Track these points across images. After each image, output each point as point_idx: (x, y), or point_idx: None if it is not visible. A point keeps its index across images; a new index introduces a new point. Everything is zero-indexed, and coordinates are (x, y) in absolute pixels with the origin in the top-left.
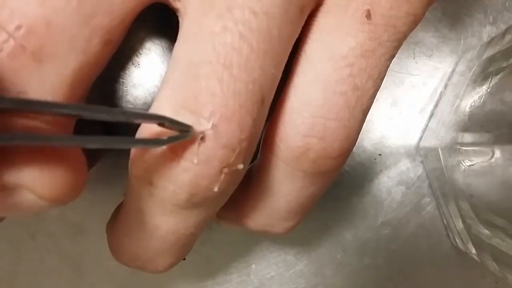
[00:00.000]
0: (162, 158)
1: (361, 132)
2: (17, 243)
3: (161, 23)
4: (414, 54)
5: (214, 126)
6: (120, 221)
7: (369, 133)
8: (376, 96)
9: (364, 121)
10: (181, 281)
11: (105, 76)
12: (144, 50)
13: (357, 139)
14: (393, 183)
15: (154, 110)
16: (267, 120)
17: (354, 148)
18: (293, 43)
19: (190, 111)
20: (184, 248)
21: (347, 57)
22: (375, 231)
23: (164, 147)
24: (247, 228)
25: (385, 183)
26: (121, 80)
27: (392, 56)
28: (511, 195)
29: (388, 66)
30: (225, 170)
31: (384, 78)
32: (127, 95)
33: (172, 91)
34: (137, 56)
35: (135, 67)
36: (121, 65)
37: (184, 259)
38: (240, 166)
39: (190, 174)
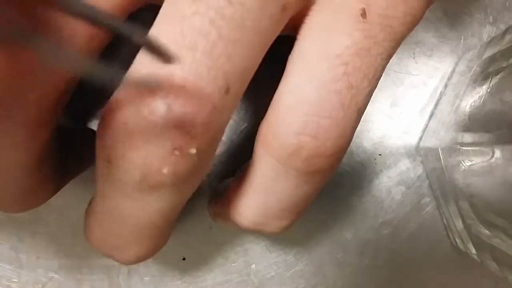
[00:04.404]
0: (119, 135)
1: (361, 132)
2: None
3: None
4: (414, 54)
5: (167, 105)
6: (91, 203)
7: (369, 133)
8: (376, 96)
9: (359, 120)
10: (181, 281)
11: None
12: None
13: (351, 139)
14: (393, 183)
15: (117, 89)
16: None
17: (354, 148)
18: (272, 39)
19: (145, 89)
20: (152, 238)
21: (342, 56)
22: (375, 231)
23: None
24: (240, 226)
25: (385, 183)
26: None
27: (389, 56)
28: (511, 195)
29: (384, 66)
30: (176, 152)
31: (380, 77)
32: None
33: (133, 69)
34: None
35: None
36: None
37: (184, 259)
38: (193, 151)
39: (141, 152)
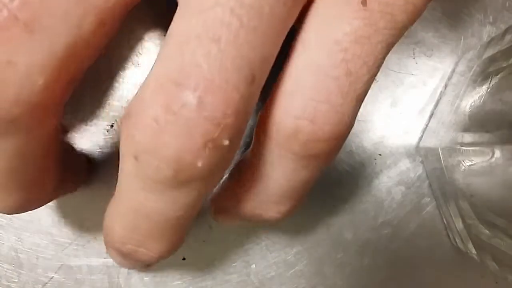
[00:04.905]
0: (147, 131)
1: (361, 132)
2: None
3: (160, 22)
4: (414, 54)
5: (197, 98)
6: (113, 202)
7: (369, 133)
8: (376, 96)
9: (358, 108)
10: (181, 281)
11: (106, 76)
12: (144, 50)
13: (350, 126)
14: (393, 183)
15: (143, 86)
16: (262, 105)
17: (354, 148)
18: (287, 27)
19: (174, 83)
20: (176, 233)
21: (341, 42)
22: (375, 231)
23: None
24: (241, 214)
25: (385, 183)
26: (122, 79)
27: (390, 44)
28: (511, 195)
29: (385, 54)
30: (209, 144)
31: (381, 66)
32: (128, 94)
33: (159, 66)
34: (137, 56)
35: (135, 66)
36: (121, 65)
37: (184, 259)
38: (226, 142)
39: (173, 147)
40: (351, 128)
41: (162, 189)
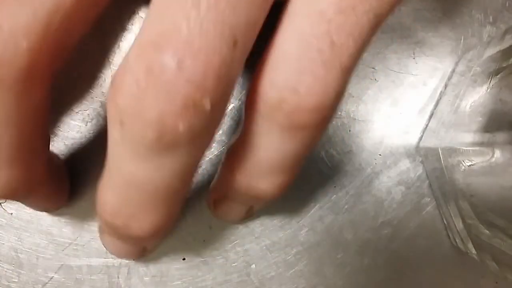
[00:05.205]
0: (130, 95)
1: (361, 132)
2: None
3: None
4: (414, 54)
5: (177, 61)
6: (104, 174)
7: (369, 133)
8: (376, 96)
9: (346, 80)
10: (181, 281)
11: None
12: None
13: (338, 98)
14: (393, 183)
15: (127, 53)
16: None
17: (354, 148)
18: None
19: (155, 47)
20: (167, 205)
21: (325, 13)
22: (375, 231)
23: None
24: (236, 191)
25: (385, 183)
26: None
27: (379, 16)
28: (511, 195)
29: (373, 26)
30: (190, 107)
31: (369, 39)
32: None
33: (142, 32)
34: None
35: None
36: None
37: (184, 259)
38: (207, 105)
39: (155, 110)
40: (338, 101)
41: (148, 155)
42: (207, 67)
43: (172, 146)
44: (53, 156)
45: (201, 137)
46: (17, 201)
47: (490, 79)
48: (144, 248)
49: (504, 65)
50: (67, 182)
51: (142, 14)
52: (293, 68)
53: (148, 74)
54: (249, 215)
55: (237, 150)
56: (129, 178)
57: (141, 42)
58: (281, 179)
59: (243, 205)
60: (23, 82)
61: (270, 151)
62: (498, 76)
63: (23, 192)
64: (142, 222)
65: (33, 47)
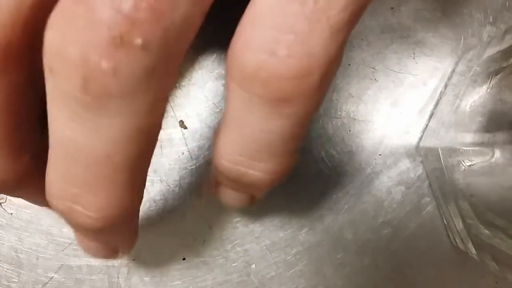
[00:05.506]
0: (57, 28)
1: (361, 132)
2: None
3: None
4: (414, 54)
5: None
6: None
7: (369, 133)
8: (376, 96)
9: (337, 41)
10: (181, 281)
11: None
12: None
13: (323, 61)
14: (393, 183)
15: None
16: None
17: (354, 148)
18: None
19: None
20: (113, 186)
21: None
22: (375, 231)
23: None
24: (225, 177)
25: (385, 183)
26: None
27: None
28: (511, 195)
29: None
30: (116, 40)
31: None
32: None
33: None
34: None
35: None
36: None
37: (184, 259)
38: (138, 41)
39: (78, 44)
40: (328, 66)
41: (80, 110)
42: None
43: (102, 98)
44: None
45: (138, 91)
46: (9, 195)
47: (490, 79)
48: (115, 250)
49: (504, 65)
50: None
51: None
52: (270, 25)
53: (75, 2)
54: (254, 202)
55: (220, 131)
56: (67, 147)
57: None
58: (273, 164)
59: (241, 192)
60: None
61: (255, 130)
62: (498, 76)
63: (12, 185)
64: (86, 204)
65: (6, 23)
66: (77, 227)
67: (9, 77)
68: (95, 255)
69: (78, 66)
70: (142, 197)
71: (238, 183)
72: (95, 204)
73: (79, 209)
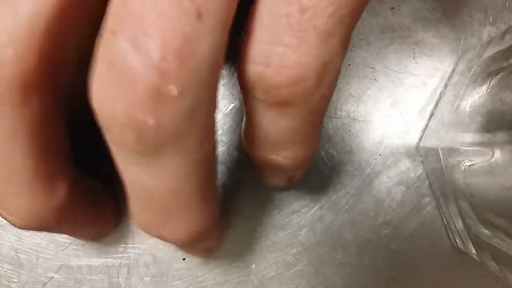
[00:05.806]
0: (99, 94)
1: (361, 132)
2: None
3: None
4: (414, 54)
5: (132, 43)
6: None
7: (369, 133)
8: (376, 96)
9: (330, 47)
10: (181, 281)
11: None
12: None
13: (323, 68)
14: (393, 183)
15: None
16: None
17: (354, 148)
18: None
19: (111, 33)
20: (193, 209)
21: None
22: (375, 231)
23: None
24: (257, 162)
25: (385, 183)
26: None
27: None
28: (511, 195)
29: None
30: (154, 95)
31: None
32: None
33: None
34: None
35: None
36: None
37: (184, 259)
38: (173, 91)
39: (120, 105)
40: (325, 70)
41: (137, 158)
42: (164, 45)
43: (158, 146)
44: (86, 179)
45: (187, 129)
46: (51, 231)
47: (490, 79)
48: (209, 249)
49: (504, 65)
50: (110, 205)
51: None
52: (264, 39)
53: (109, 65)
54: (294, 182)
55: (245, 127)
56: (135, 187)
57: (102, 34)
58: (292, 151)
59: (278, 173)
60: (18, 92)
61: (269, 128)
62: (498, 76)
63: (52, 222)
64: (175, 231)
65: (21, 54)
66: (175, 244)
67: (32, 108)
68: (194, 254)
69: (128, 126)
70: (218, 206)
71: (269, 167)
72: (178, 229)
73: (167, 234)
